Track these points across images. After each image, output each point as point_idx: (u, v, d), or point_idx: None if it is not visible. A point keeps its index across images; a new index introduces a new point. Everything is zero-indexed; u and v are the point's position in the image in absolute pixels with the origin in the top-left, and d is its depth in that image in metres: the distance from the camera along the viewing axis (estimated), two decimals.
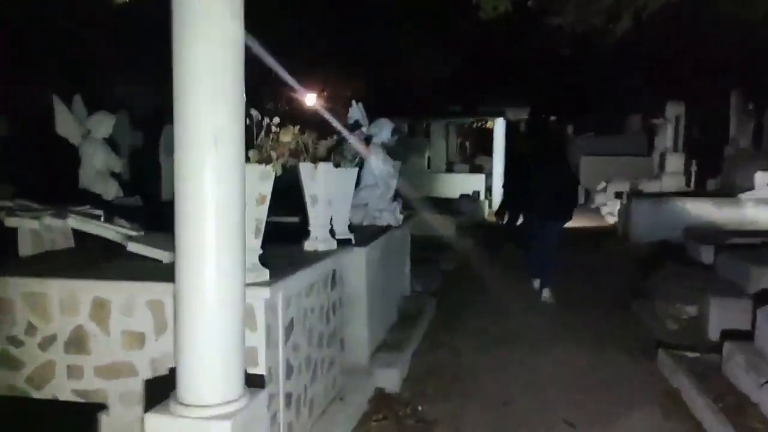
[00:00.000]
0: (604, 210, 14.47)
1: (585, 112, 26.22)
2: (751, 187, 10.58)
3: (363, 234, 4.61)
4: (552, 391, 4.22)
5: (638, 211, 9.74)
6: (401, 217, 5.65)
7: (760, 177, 9.98)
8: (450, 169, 16.95)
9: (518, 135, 20.34)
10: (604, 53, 22.96)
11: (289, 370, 2.85)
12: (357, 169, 4.35)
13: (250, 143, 2.50)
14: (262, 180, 2.62)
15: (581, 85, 25.18)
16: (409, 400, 4.00)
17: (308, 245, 3.63)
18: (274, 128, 2.72)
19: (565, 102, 26.20)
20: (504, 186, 7.76)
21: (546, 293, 6.58)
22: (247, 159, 2.38)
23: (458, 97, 19.96)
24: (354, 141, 4.55)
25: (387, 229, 5.18)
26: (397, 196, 6.04)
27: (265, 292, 2.50)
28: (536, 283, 6.80)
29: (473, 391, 4.20)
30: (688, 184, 14.96)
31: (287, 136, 2.82)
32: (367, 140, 5.63)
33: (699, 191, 12.05)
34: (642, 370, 4.59)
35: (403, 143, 15.73)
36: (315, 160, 3.58)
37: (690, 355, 4.47)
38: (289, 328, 2.87)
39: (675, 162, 15.14)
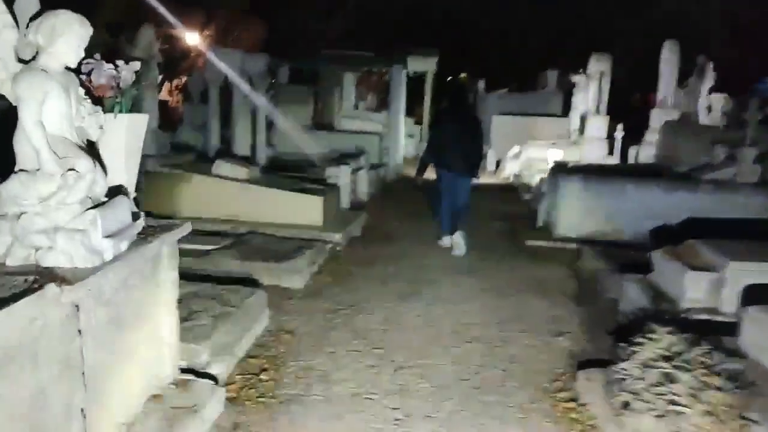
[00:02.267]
0: (518, 181, 11.80)
1: (497, 65, 23.63)
2: (697, 163, 8.10)
3: None
4: None
5: (568, 194, 6.98)
6: (122, 244, 2.47)
7: (720, 150, 7.46)
8: (340, 126, 13.69)
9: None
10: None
11: None
12: None
13: None
14: None
15: (493, 36, 22.52)
16: None
17: None
18: None
19: (476, 54, 23.49)
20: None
21: (458, 236, 6.51)
22: None
23: (356, 43, 16.78)
24: None
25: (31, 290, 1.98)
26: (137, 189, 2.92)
27: None
28: (446, 240, 6.62)
29: None
30: (610, 152, 12.56)
31: None
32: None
33: (639, 166, 9.50)
34: None
35: (283, 92, 12.33)
36: None
37: None
38: None
39: (597, 126, 12.66)
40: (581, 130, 13.50)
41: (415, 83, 17.03)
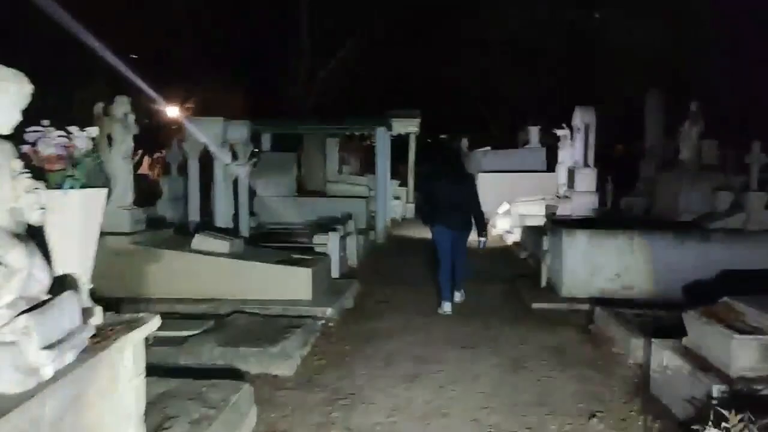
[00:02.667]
0: (510, 238, 11.41)
1: (480, 124, 23.79)
2: (703, 212, 7.77)
3: None
4: None
5: (572, 250, 6.55)
6: (68, 354, 1.95)
7: (724, 197, 7.13)
8: (325, 192, 13.32)
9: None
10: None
11: None
12: None
13: None
14: None
15: (472, 94, 22.75)
16: None
17: None
18: None
19: (456, 113, 23.65)
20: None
21: (458, 296, 6.62)
22: None
23: (337, 107, 16.78)
24: None
25: None
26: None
27: None
28: (446, 306, 6.35)
29: None
30: (602, 204, 12.29)
31: None
32: None
33: (638, 218, 9.14)
34: None
35: (266, 160, 11.99)
36: None
37: None
38: None
39: (586, 179, 12.42)
40: (570, 183, 13.27)
41: (398, 145, 16.91)
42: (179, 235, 7.11)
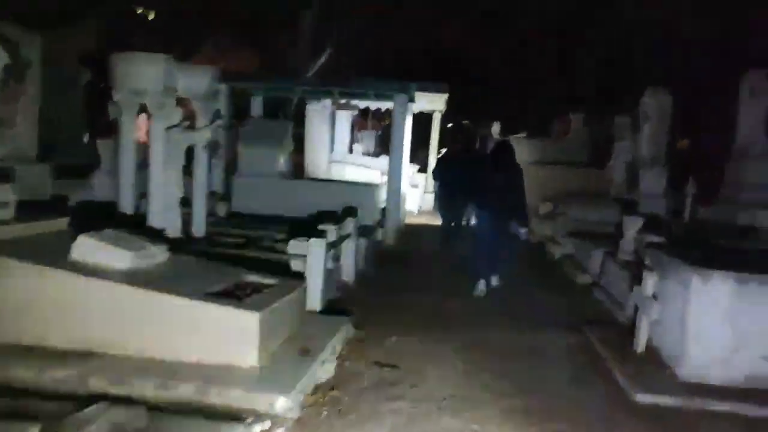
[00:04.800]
0: (557, 251, 8.62)
1: (508, 109, 20.84)
2: None
3: None
4: None
5: (706, 305, 3.78)
6: None
7: None
8: (329, 174, 10.56)
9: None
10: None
11: None
12: None
13: None
14: None
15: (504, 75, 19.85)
16: None
17: None
18: None
19: (485, 95, 20.69)
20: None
21: (495, 280, 6.34)
22: None
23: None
24: None
25: None
26: None
27: None
28: (481, 285, 6.18)
29: None
30: (676, 212, 9.40)
31: None
32: None
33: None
34: None
35: (252, 127, 9.26)
36: None
37: None
38: None
39: (655, 180, 9.54)
40: (629, 183, 10.43)
41: (418, 125, 14.11)
42: (77, 232, 4.41)
